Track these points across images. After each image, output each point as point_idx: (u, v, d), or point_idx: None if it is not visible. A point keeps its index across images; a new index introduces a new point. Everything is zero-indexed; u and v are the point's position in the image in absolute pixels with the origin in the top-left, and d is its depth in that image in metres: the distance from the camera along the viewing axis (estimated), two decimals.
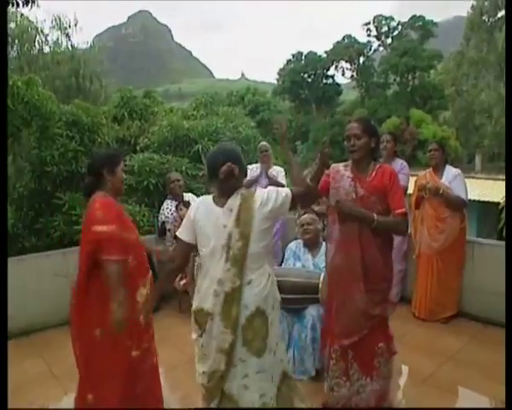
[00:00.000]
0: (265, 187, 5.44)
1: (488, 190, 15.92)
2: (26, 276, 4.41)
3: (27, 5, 7.15)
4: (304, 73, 38.21)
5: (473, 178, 16.49)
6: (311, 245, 3.68)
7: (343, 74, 38.91)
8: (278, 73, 39.69)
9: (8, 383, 2.00)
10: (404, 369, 3.59)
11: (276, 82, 40.67)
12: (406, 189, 4.68)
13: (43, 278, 4.52)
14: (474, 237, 4.72)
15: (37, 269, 4.56)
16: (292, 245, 3.79)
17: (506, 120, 2.64)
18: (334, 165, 2.87)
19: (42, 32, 13.10)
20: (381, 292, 2.77)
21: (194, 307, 2.36)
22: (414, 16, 35.63)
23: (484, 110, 30.03)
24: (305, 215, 3.73)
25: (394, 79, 35.54)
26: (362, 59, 37.27)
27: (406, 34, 36.24)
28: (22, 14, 12.25)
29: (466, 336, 4.12)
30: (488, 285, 4.25)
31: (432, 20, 35.51)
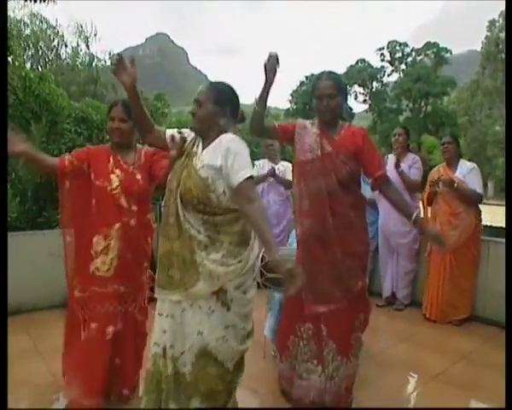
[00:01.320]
0: (271, 181, 5.35)
1: (500, 216, 15.64)
2: (20, 253, 4.27)
3: (44, 1, 7.22)
4: None
5: (485, 204, 16.25)
6: None
7: (356, 98, 39.07)
8: (291, 95, 39.95)
9: (8, 383, 1.79)
10: (414, 365, 3.37)
11: (288, 104, 40.85)
12: (419, 184, 4.52)
13: (37, 257, 4.40)
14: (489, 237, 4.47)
15: (31, 247, 4.43)
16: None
17: (506, 119, 2.49)
18: (300, 120, 2.72)
19: (62, 36, 13.28)
20: (359, 258, 2.58)
21: None
22: (428, 43, 35.84)
23: (497, 141, 29.87)
24: None
25: (407, 105, 35.63)
26: (375, 83, 37.43)
27: (420, 60, 36.40)
28: (41, 15, 12.46)
29: (479, 339, 3.89)
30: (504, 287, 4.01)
31: (446, 48, 35.70)
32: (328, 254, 2.52)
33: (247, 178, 2.02)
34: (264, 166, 5.51)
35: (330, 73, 2.61)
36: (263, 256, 3.23)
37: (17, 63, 7.74)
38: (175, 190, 2.10)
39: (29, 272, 4.32)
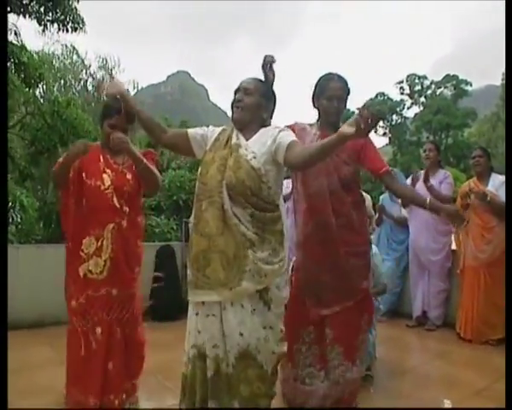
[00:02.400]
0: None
1: None
2: (43, 266, 4.26)
3: (75, 31, 7.48)
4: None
5: None
6: None
7: (376, 132, 39.13)
8: None
9: (8, 383, 1.80)
10: (451, 381, 3.20)
11: None
12: (449, 199, 4.41)
13: (60, 271, 4.36)
14: None
15: (55, 260, 4.41)
16: None
17: (506, 119, 2.43)
18: (298, 122, 2.64)
19: (89, 67, 13.71)
20: (363, 257, 2.53)
21: None
22: (447, 75, 35.92)
23: None
24: None
25: (427, 137, 35.46)
26: (395, 116, 37.50)
27: (440, 93, 36.45)
28: (74, 48, 12.91)
29: None
30: None
31: (466, 80, 35.69)
32: (332, 255, 2.47)
33: (294, 140, 2.02)
34: (289, 185, 5.48)
35: (339, 75, 2.56)
36: (293, 266, 3.17)
37: (47, 89, 8.04)
38: (217, 183, 2.00)
39: (52, 285, 4.24)
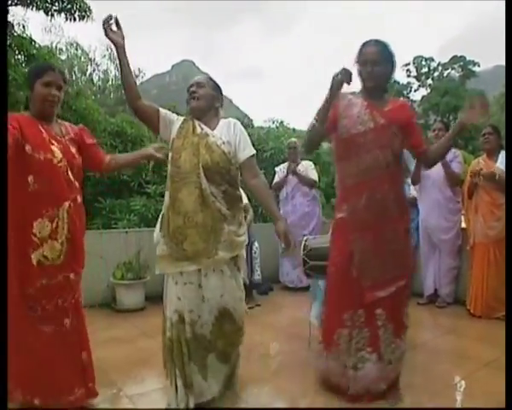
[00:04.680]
0: (295, 184, 5.35)
1: None
2: None
3: (82, 19, 7.53)
4: None
5: None
6: None
7: None
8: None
9: (8, 383, 1.80)
10: (462, 354, 3.26)
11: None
12: (460, 178, 4.44)
13: None
14: None
15: None
16: None
17: (506, 119, 2.45)
18: (340, 94, 2.47)
19: (94, 60, 13.79)
20: (410, 234, 2.53)
21: None
22: (455, 57, 35.50)
23: None
24: None
25: (435, 120, 35.16)
26: (402, 100, 37.24)
27: (447, 75, 36.04)
28: (77, 44, 12.99)
29: None
30: None
31: (473, 61, 35.26)
32: (389, 232, 2.39)
33: (252, 156, 2.43)
34: (284, 170, 5.52)
35: (378, 40, 2.45)
36: (305, 245, 3.24)
37: None
38: (194, 166, 2.30)
39: None
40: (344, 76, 2.26)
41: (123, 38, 2.31)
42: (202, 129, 2.41)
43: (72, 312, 2.28)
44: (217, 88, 2.52)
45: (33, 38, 7.27)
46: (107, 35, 2.26)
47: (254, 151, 2.47)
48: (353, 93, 2.54)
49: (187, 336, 2.31)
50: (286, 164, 5.58)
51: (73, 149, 2.31)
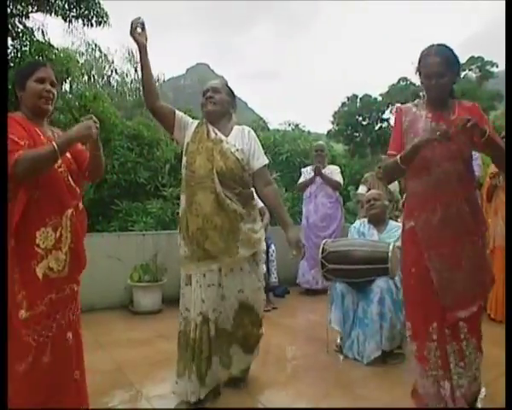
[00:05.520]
0: (319, 185, 5.36)
1: None
2: None
3: (100, 25, 7.61)
4: (359, 116, 38.06)
5: None
6: (377, 222, 3.45)
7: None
8: (333, 116, 39.82)
9: (8, 383, 1.71)
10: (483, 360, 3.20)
11: (330, 125, 40.75)
12: (478, 180, 4.38)
13: (95, 259, 4.49)
14: None
15: (90, 249, 4.55)
16: (356, 223, 3.61)
17: (506, 118, 2.36)
18: (402, 106, 2.40)
19: (112, 63, 13.94)
20: (486, 247, 2.39)
21: None
22: (472, 57, 35.05)
23: None
24: (372, 190, 3.56)
25: None
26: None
27: (464, 76, 35.63)
28: (96, 45, 13.14)
29: None
30: None
31: (491, 61, 34.77)
32: (467, 247, 2.24)
33: (265, 165, 2.53)
34: (311, 171, 5.52)
35: (440, 46, 2.29)
36: (323, 248, 3.23)
37: (74, 85, 8.22)
38: (208, 171, 2.37)
39: (88, 273, 4.41)
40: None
41: (146, 40, 2.40)
42: (216, 134, 2.47)
43: (74, 325, 2.08)
44: (231, 93, 2.59)
45: (52, 42, 7.39)
46: (132, 34, 2.35)
47: (267, 160, 2.57)
48: (417, 105, 2.41)
49: (211, 334, 2.40)
50: (312, 166, 5.59)
51: (68, 154, 2.11)
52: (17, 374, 1.86)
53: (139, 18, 2.37)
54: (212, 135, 2.47)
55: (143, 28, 2.38)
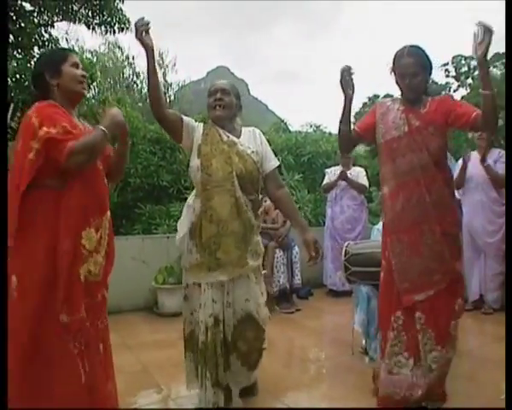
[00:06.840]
0: (344, 187, 5.35)
1: None
2: None
3: (122, 31, 7.74)
4: None
5: None
6: None
7: None
8: (354, 117, 39.49)
9: (8, 383, 1.62)
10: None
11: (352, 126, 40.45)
12: (505, 179, 4.30)
13: (120, 261, 4.55)
14: None
15: (115, 251, 4.62)
16: (379, 225, 3.58)
17: (506, 119, 2.32)
18: (379, 101, 2.59)
19: (135, 67, 14.14)
20: (456, 238, 2.42)
21: None
22: (496, 54, 34.22)
23: None
24: None
25: None
26: None
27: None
28: (119, 46, 13.31)
29: None
30: None
31: None
32: (426, 235, 2.34)
33: (276, 167, 2.50)
34: (335, 173, 5.50)
35: (412, 47, 2.39)
36: (346, 251, 3.22)
37: (97, 89, 8.38)
38: (227, 174, 2.30)
39: (113, 275, 4.48)
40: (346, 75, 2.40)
41: (152, 42, 2.26)
42: (228, 137, 2.40)
43: (102, 334, 1.96)
44: (238, 95, 2.54)
45: (76, 49, 7.55)
46: (138, 36, 2.19)
47: (278, 162, 2.54)
48: (394, 100, 2.53)
49: (221, 337, 2.33)
50: (337, 167, 5.58)
51: None
52: (58, 380, 1.75)
53: (143, 18, 2.20)
54: (225, 137, 2.39)
55: (148, 30, 2.21)
